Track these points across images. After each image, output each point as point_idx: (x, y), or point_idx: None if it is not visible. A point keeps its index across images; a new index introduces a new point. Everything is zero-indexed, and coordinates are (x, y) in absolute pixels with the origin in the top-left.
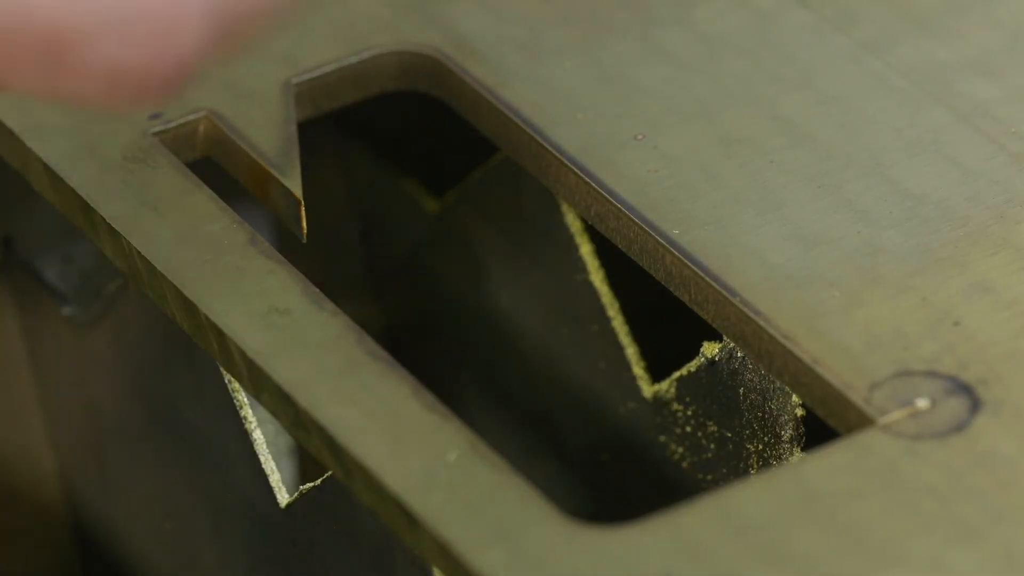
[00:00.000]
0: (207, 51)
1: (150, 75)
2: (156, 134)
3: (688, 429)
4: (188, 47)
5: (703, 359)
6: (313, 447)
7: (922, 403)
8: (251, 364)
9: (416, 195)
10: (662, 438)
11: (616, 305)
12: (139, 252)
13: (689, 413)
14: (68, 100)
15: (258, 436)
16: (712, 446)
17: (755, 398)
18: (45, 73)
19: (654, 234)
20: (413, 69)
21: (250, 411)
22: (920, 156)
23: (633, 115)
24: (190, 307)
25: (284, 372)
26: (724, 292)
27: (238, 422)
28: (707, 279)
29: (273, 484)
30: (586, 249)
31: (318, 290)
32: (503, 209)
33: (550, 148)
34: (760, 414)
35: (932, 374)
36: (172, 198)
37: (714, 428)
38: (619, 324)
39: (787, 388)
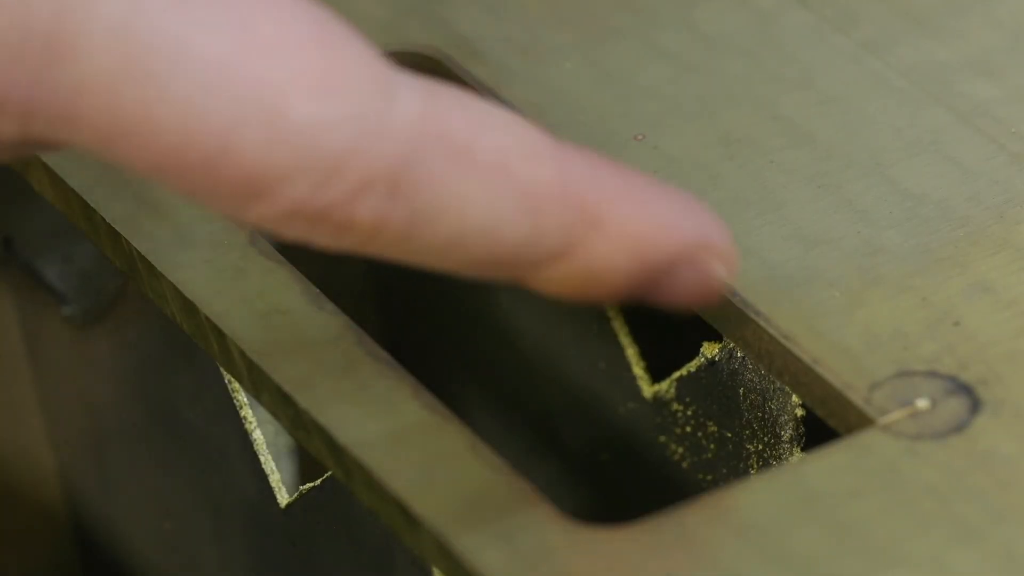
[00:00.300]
0: (381, 220)
1: (326, 219)
2: None
3: (688, 429)
4: (366, 214)
5: (703, 359)
6: (313, 447)
7: (922, 403)
8: (251, 364)
9: None
10: (662, 438)
11: (616, 305)
12: (139, 252)
13: (689, 413)
14: (235, 222)
15: (258, 436)
16: (712, 446)
17: (755, 398)
18: (230, 203)
19: None
20: (413, 70)
21: (250, 411)
22: (920, 156)
23: (633, 115)
24: (190, 307)
25: (284, 372)
26: (724, 292)
27: (238, 422)
28: None
29: (273, 484)
30: None
31: (318, 290)
32: None
33: None
34: (760, 414)
35: (932, 374)
36: (172, 198)
37: (714, 428)
38: (619, 324)
39: (787, 388)
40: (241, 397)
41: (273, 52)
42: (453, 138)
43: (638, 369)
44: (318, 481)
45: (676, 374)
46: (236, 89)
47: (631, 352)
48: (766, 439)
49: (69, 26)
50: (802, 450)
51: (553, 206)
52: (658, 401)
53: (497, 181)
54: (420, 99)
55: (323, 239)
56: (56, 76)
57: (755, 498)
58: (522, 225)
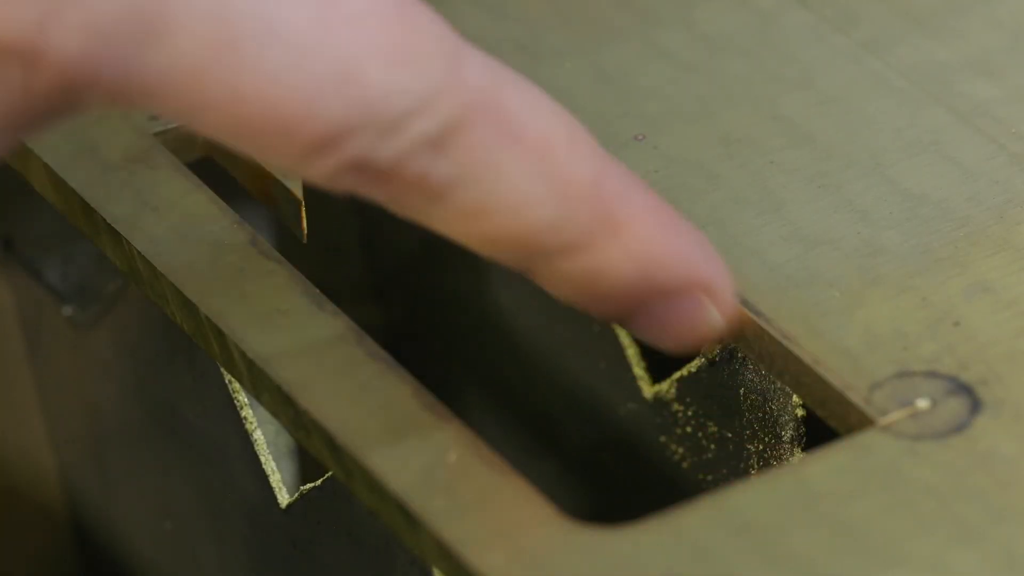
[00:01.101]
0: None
1: (377, 172)
2: (157, 135)
3: (688, 430)
4: (412, 168)
5: (703, 359)
6: (313, 447)
7: (922, 403)
8: (251, 364)
9: None
10: (662, 438)
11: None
12: (139, 252)
13: (689, 413)
14: (290, 174)
15: (258, 436)
16: (712, 447)
17: (755, 399)
18: (294, 160)
19: None
20: None
21: (250, 411)
22: (920, 156)
23: (633, 115)
24: (190, 307)
25: (284, 372)
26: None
27: (238, 422)
28: None
29: (273, 484)
30: None
31: (318, 290)
32: None
33: None
34: (760, 415)
35: (932, 374)
36: (172, 198)
37: (714, 429)
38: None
39: (787, 389)
40: (241, 397)
41: (354, 25)
42: (506, 113)
43: (638, 369)
44: (318, 481)
45: (676, 374)
46: (319, 62)
47: (631, 352)
48: (766, 439)
49: (166, 8)
50: (802, 450)
51: (582, 202)
52: (658, 401)
53: (537, 162)
54: (483, 72)
55: (367, 189)
56: (149, 54)
57: (755, 498)
58: (548, 209)
